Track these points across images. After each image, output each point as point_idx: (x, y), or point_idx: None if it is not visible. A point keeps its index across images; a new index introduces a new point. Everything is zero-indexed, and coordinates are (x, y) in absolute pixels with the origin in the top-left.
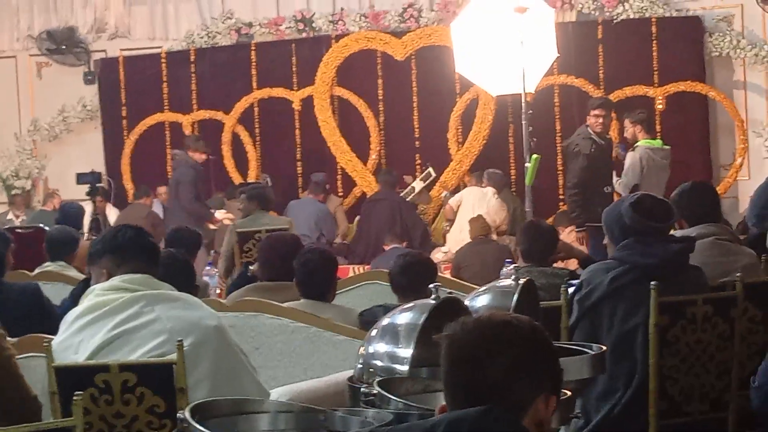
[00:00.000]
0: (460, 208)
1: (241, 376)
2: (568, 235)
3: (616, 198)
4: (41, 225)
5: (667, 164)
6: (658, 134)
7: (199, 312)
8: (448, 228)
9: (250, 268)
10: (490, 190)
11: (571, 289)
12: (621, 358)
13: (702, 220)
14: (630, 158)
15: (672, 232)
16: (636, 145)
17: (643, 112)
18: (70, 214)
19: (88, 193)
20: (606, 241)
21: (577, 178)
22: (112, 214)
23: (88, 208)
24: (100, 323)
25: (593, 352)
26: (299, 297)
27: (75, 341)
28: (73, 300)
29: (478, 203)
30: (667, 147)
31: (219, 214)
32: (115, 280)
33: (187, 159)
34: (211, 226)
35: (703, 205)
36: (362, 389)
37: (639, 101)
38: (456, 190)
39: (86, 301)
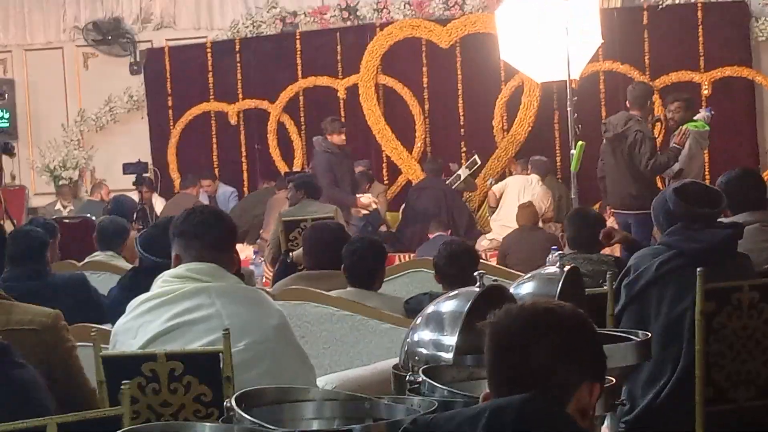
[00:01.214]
0: (505, 196)
1: (297, 378)
2: (614, 222)
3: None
4: (89, 215)
5: (705, 146)
6: None
7: (261, 309)
8: (488, 217)
9: (291, 254)
10: (534, 177)
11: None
12: (669, 344)
13: (748, 208)
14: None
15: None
16: (685, 128)
17: (692, 96)
18: (124, 205)
19: (134, 183)
20: (654, 230)
21: (653, 156)
22: (159, 204)
23: (134, 198)
24: (160, 310)
25: (638, 339)
26: (345, 285)
27: (135, 325)
28: (121, 289)
29: (522, 191)
30: (708, 128)
31: (365, 198)
32: (181, 269)
33: (321, 144)
34: (363, 212)
35: (749, 193)
36: (407, 377)
37: (685, 87)
38: (501, 177)
39: (154, 287)
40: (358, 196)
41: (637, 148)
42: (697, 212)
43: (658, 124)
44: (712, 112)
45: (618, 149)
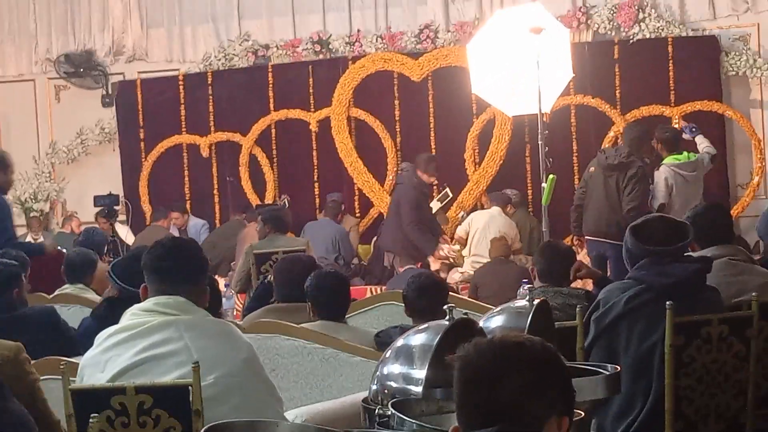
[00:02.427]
0: (472, 232)
1: (266, 411)
2: (585, 256)
3: None
4: (59, 248)
5: (697, 176)
6: None
7: (230, 342)
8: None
9: (269, 278)
10: (495, 210)
11: None
12: (638, 378)
13: (716, 242)
14: (656, 178)
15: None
16: (661, 164)
17: (668, 131)
18: (94, 239)
19: (104, 215)
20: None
21: (639, 201)
22: (125, 234)
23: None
24: (128, 344)
25: (608, 373)
26: (314, 318)
27: (103, 359)
28: (97, 319)
29: (488, 225)
30: (693, 159)
31: (444, 250)
32: (149, 302)
33: (412, 177)
34: (433, 263)
35: (717, 227)
36: (377, 410)
37: (655, 121)
38: (473, 210)
39: (123, 320)
40: (440, 246)
41: (632, 185)
42: (652, 251)
43: None
44: (693, 128)
45: (612, 178)
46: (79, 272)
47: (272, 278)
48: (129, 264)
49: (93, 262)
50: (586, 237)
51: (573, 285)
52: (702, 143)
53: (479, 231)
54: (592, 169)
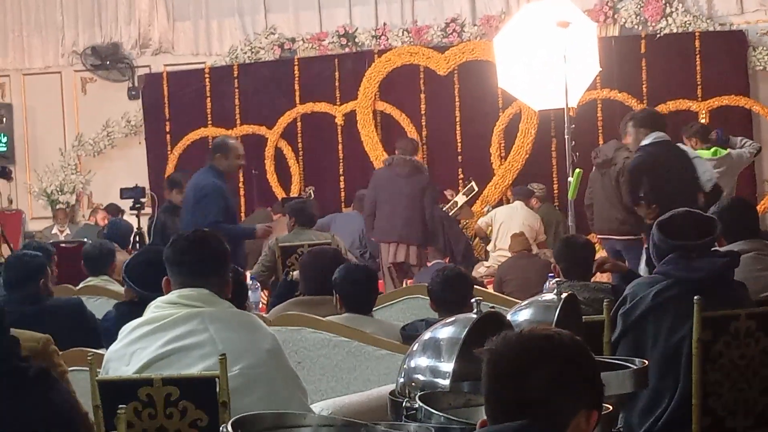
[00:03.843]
0: (495, 228)
1: (291, 401)
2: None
3: None
4: (85, 239)
5: (723, 171)
6: None
7: (254, 334)
8: (483, 245)
9: (292, 274)
10: (518, 204)
11: None
12: (666, 373)
13: (743, 236)
14: None
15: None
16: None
17: (694, 125)
18: (120, 229)
19: (131, 208)
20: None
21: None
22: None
23: (133, 222)
24: (153, 336)
25: (635, 367)
26: (341, 310)
27: (128, 352)
28: (120, 314)
29: (510, 219)
30: (720, 154)
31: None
32: (173, 295)
33: (422, 165)
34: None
35: (743, 221)
36: (404, 403)
37: (682, 115)
38: (498, 204)
39: (147, 313)
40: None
41: (623, 176)
42: (679, 246)
43: None
44: (714, 134)
45: (606, 175)
46: (98, 264)
47: (296, 273)
48: (145, 270)
49: (110, 253)
50: (598, 235)
51: (596, 278)
52: (741, 142)
53: (503, 225)
54: (593, 169)
